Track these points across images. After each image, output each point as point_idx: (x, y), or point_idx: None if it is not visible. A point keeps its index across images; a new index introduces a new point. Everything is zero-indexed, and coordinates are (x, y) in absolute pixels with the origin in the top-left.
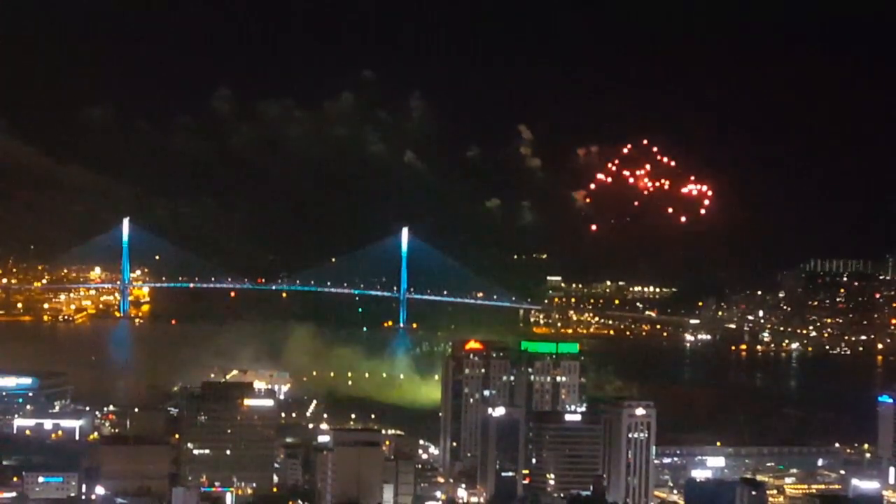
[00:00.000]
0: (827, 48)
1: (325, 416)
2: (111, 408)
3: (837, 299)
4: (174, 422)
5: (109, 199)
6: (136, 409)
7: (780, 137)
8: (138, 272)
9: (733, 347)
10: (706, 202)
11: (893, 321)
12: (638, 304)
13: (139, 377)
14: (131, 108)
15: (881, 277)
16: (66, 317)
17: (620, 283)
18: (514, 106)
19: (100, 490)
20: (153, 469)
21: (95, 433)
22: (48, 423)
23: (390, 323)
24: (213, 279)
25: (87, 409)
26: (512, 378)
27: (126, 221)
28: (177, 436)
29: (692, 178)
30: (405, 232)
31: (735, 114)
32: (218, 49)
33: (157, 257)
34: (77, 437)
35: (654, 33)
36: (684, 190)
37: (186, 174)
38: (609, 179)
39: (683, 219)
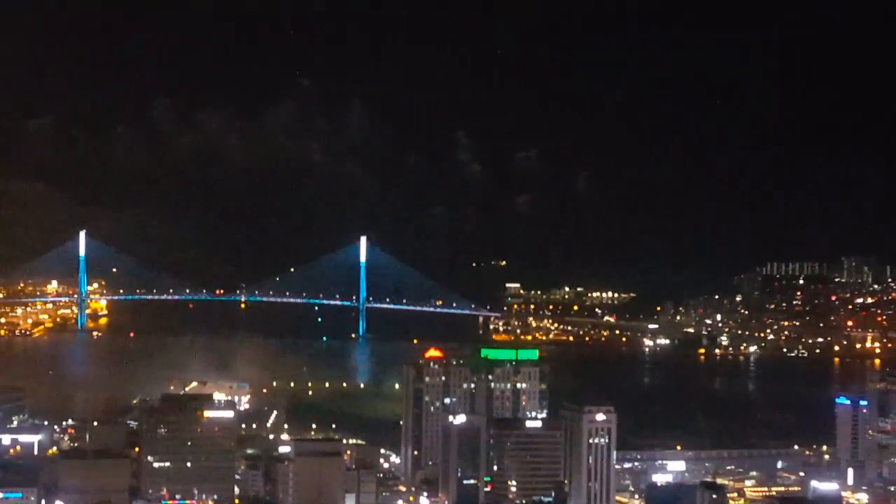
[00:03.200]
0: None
1: (286, 426)
2: (70, 422)
3: (794, 302)
4: (134, 435)
5: (59, 211)
6: (95, 423)
7: (732, 140)
8: (95, 285)
9: (692, 351)
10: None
11: (849, 323)
12: (597, 309)
13: (98, 391)
14: (69, 118)
15: (836, 280)
16: (22, 331)
17: (579, 289)
18: (450, 112)
19: None
20: (113, 483)
21: (54, 448)
22: (6, 438)
23: (351, 333)
24: (170, 291)
25: (46, 423)
26: (472, 385)
27: (82, 234)
28: (136, 449)
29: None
30: (363, 241)
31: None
32: (155, 57)
33: (114, 270)
34: (36, 452)
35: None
36: None
37: (133, 185)
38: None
39: None
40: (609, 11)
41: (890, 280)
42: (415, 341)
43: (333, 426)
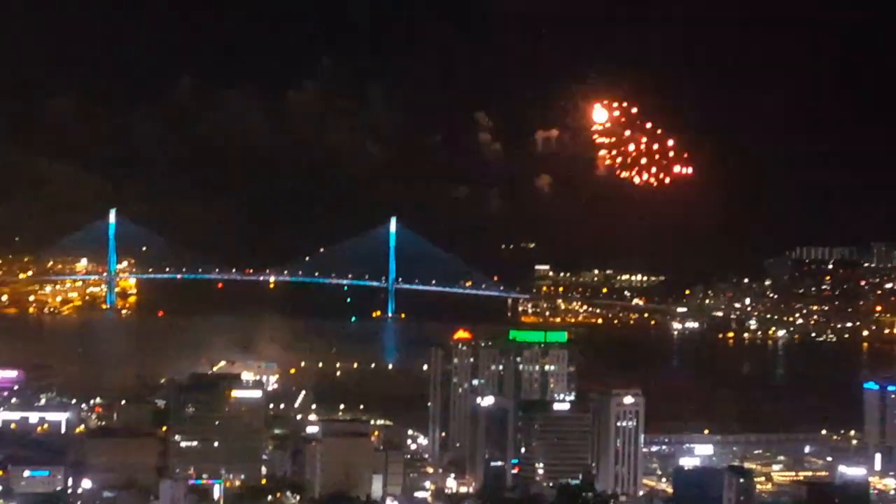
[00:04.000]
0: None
1: (314, 406)
2: (98, 400)
3: (823, 287)
4: (161, 414)
5: (89, 189)
6: (123, 402)
7: (763, 126)
8: (125, 263)
9: (720, 335)
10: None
11: (878, 308)
12: (626, 292)
13: (126, 369)
14: (93, 98)
15: (866, 265)
16: (52, 309)
17: (608, 271)
18: (471, 92)
19: (86, 483)
20: (140, 462)
21: (82, 426)
22: (34, 417)
23: (378, 313)
24: (199, 270)
25: (74, 401)
26: (500, 367)
27: (112, 213)
28: (164, 428)
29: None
30: (393, 221)
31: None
32: (177, 37)
33: (143, 248)
34: (63, 430)
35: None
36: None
37: (162, 165)
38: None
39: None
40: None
41: None
42: (443, 323)
43: (361, 406)
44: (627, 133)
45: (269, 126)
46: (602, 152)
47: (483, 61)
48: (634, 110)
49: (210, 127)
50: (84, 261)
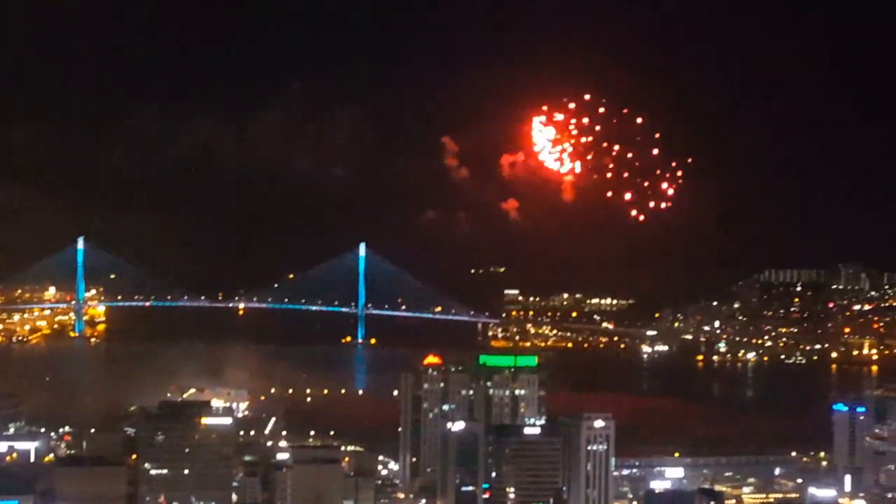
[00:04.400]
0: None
1: (284, 433)
2: (67, 429)
3: (792, 309)
4: (131, 442)
5: (57, 217)
6: (93, 430)
7: (732, 151)
8: (93, 291)
9: (690, 358)
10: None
11: (847, 330)
12: (595, 316)
13: (95, 398)
14: (59, 125)
15: (834, 287)
16: (20, 337)
17: (578, 295)
18: (435, 117)
19: None
20: (110, 490)
21: (51, 455)
22: (2, 446)
23: (349, 339)
24: (168, 297)
25: (43, 430)
26: (471, 392)
27: (81, 240)
28: (134, 456)
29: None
30: (363, 247)
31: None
32: (144, 63)
33: (112, 276)
34: (32, 459)
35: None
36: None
37: (130, 192)
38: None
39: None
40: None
41: (887, 287)
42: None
43: (331, 432)
44: (596, 157)
45: (237, 152)
46: (568, 177)
47: (448, 86)
48: (603, 134)
49: (177, 154)
50: (52, 289)
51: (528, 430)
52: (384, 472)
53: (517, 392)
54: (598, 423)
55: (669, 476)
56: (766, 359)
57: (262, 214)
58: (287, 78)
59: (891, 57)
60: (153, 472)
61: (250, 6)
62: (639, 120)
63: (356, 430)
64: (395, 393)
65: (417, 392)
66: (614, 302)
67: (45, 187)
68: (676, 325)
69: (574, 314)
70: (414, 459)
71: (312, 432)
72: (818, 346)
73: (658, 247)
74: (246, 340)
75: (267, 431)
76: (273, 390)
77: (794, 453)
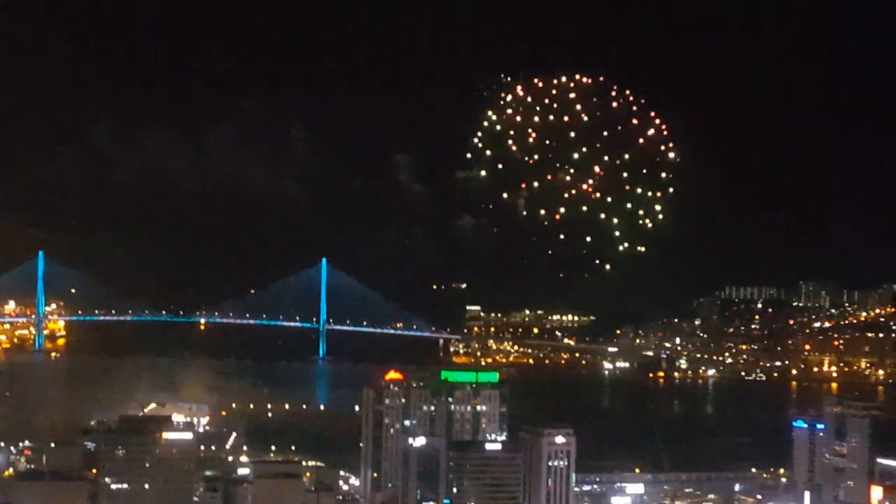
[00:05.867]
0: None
1: (245, 448)
2: (26, 443)
3: (752, 326)
4: (91, 457)
5: (17, 232)
6: (52, 445)
7: (693, 169)
8: (53, 306)
9: (651, 374)
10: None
11: (807, 347)
12: (557, 332)
13: (55, 412)
14: (16, 143)
15: (794, 304)
16: None
17: (539, 311)
18: (390, 134)
19: None
20: None
21: (10, 469)
22: None
23: (310, 355)
24: (129, 312)
25: (2, 445)
26: (432, 408)
27: (41, 255)
28: (94, 471)
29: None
30: (324, 263)
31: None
32: (98, 81)
33: (72, 290)
34: None
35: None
36: None
37: (90, 207)
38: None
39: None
40: None
41: (847, 304)
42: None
43: (292, 448)
44: (553, 173)
45: (196, 168)
46: (525, 193)
47: (402, 103)
48: (560, 147)
49: (137, 170)
50: (12, 303)
51: (489, 446)
52: (345, 488)
53: (478, 408)
54: (559, 439)
55: (630, 492)
56: (726, 376)
57: (223, 230)
58: (239, 96)
59: (848, 75)
60: (113, 486)
61: (205, 25)
62: None
63: (317, 445)
64: (357, 408)
65: (379, 407)
66: (576, 318)
67: (2, 203)
68: (637, 341)
69: (535, 330)
70: (375, 475)
71: (273, 447)
72: (778, 363)
73: (620, 264)
74: (207, 355)
75: (228, 446)
76: (234, 405)
77: (754, 470)
